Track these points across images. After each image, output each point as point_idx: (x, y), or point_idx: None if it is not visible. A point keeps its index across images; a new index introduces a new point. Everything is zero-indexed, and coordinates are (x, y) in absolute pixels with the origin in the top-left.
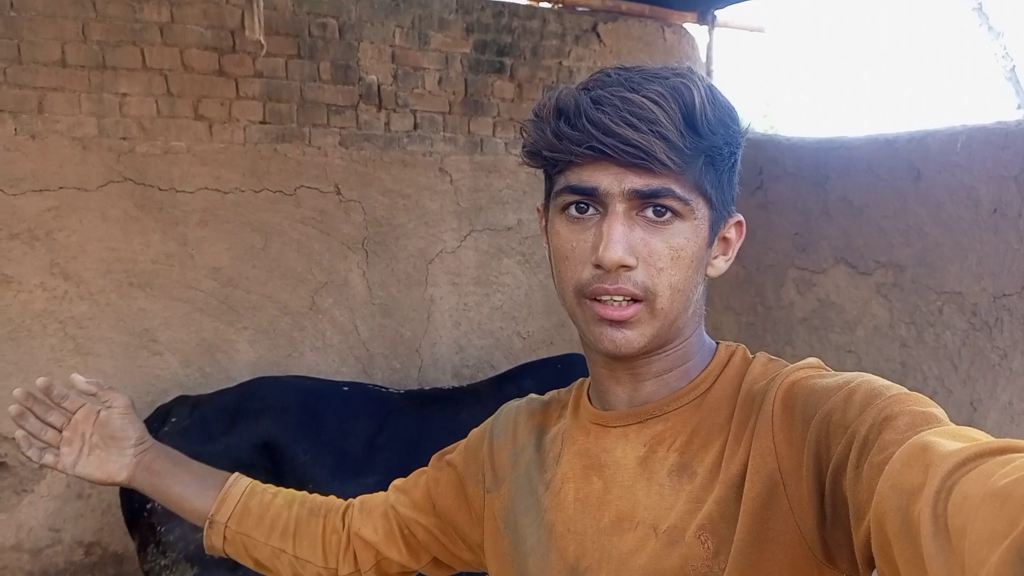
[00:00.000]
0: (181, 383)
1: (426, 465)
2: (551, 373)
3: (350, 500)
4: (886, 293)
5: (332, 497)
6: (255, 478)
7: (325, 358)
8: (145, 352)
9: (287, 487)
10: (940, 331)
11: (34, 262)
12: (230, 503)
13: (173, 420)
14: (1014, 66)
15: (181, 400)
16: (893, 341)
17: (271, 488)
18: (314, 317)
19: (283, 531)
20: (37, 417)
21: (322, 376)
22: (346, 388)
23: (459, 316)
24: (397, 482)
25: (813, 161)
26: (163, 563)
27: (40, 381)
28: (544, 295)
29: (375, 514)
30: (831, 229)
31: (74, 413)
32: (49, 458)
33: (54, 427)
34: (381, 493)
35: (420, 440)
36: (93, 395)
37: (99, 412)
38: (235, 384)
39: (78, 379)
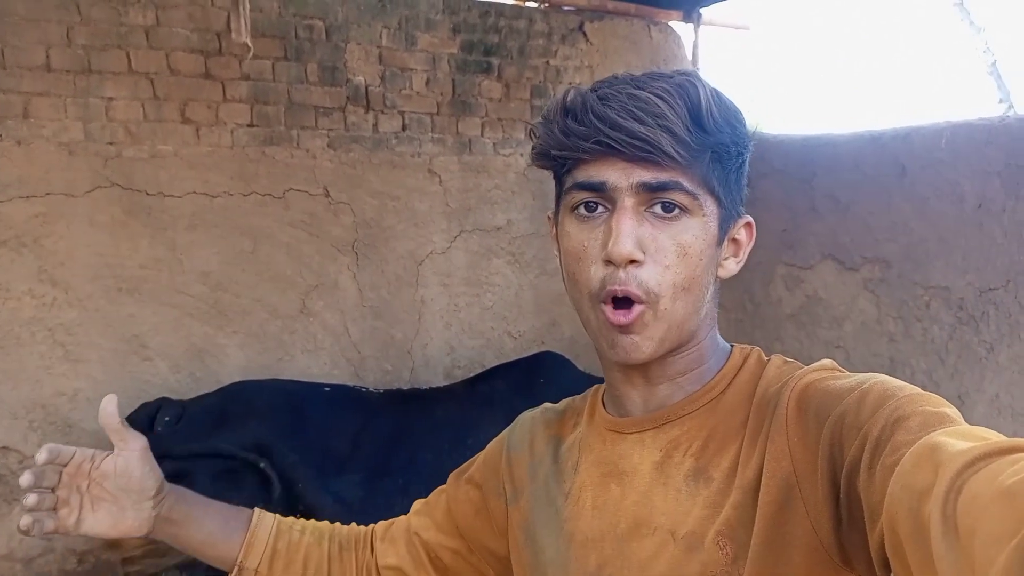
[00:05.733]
0: (171, 388)
1: (406, 460)
2: (519, 374)
3: (372, 528)
4: (873, 288)
5: (355, 527)
6: (246, 479)
7: (316, 361)
8: (135, 358)
9: (276, 486)
10: (927, 325)
11: (22, 269)
12: (258, 547)
13: (166, 419)
14: (996, 61)
15: (165, 402)
16: (881, 336)
17: (296, 524)
18: (305, 320)
19: (316, 571)
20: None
21: (315, 379)
22: (327, 389)
23: (450, 317)
24: (418, 505)
25: (800, 158)
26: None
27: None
28: (534, 295)
29: (399, 542)
30: (818, 225)
31: (64, 466)
32: (50, 524)
33: (46, 489)
34: (403, 518)
35: (399, 437)
36: (115, 427)
37: (94, 459)
38: (217, 388)
39: (109, 404)
